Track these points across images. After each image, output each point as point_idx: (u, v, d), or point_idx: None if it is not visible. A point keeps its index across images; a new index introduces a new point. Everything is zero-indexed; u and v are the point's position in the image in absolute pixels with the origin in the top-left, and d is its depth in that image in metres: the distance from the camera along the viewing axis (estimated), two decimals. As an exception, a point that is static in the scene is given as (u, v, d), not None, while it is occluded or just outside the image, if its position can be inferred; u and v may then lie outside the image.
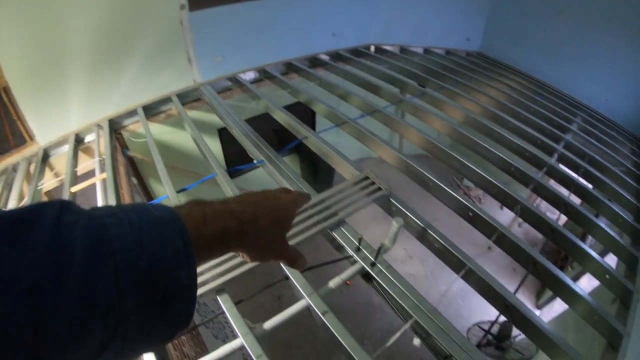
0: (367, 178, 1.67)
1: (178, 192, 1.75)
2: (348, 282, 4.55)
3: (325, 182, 4.83)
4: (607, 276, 1.67)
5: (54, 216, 0.27)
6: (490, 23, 3.83)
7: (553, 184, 2.28)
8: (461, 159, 2.02)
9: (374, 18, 3.48)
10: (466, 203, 1.68)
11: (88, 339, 0.27)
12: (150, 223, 0.33)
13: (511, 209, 1.82)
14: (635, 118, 3.25)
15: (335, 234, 1.47)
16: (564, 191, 2.13)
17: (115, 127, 2.53)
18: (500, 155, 2.16)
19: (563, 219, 3.40)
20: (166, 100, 2.69)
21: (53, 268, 0.25)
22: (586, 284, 3.75)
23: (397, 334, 1.33)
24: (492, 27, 3.84)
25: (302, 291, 1.28)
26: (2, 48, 2.01)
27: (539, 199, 3.75)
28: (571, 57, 3.41)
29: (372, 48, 3.53)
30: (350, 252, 1.42)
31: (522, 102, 2.93)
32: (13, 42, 2.02)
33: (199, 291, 1.25)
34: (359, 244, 1.40)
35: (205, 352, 1.20)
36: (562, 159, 2.39)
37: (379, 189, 1.61)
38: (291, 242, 1.29)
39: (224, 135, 3.74)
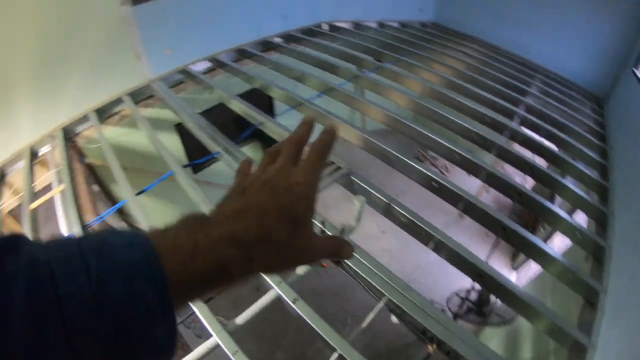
0: (325, 158, 1.60)
1: (137, 194, 1.66)
2: (324, 265, 4.48)
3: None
4: (577, 234, 1.66)
5: None
6: (442, -8, 3.79)
7: (517, 148, 2.28)
8: (422, 131, 1.97)
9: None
10: (428, 174, 1.64)
11: None
12: (115, 271, 0.26)
13: (476, 175, 1.80)
14: (593, 77, 3.28)
15: (298, 220, 1.40)
16: (528, 154, 2.11)
17: (69, 135, 2.36)
18: (461, 123, 2.12)
19: (531, 182, 3.44)
20: (118, 101, 2.53)
21: None
22: (560, 243, 3.85)
23: (371, 315, 1.32)
24: (444, -4, 3.81)
25: (270, 281, 1.24)
26: None
27: (506, 165, 3.80)
28: (526, 20, 3.41)
29: (325, 26, 3.42)
30: (316, 236, 1.35)
31: (479, 68, 2.91)
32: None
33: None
34: (323, 227, 1.34)
35: (189, 352, 1.15)
36: (524, 122, 2.39)
37: (339, 168, 1.56)
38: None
39: (182, 130, 3.59)
